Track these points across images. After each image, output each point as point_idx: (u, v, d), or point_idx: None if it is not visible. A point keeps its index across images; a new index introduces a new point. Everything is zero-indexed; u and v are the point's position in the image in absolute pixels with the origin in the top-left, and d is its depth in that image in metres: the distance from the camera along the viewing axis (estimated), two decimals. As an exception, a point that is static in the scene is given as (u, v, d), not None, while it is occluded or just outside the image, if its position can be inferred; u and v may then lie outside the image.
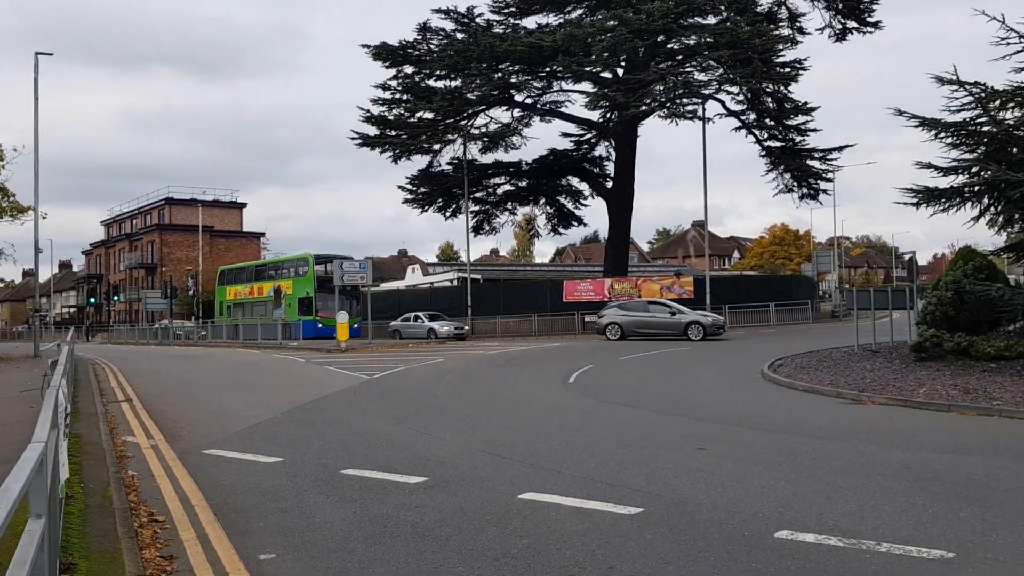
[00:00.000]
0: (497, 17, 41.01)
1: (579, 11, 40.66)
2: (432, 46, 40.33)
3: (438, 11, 39.69)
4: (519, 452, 9.20)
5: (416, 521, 6.43)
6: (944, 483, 7.22)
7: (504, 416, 12.34)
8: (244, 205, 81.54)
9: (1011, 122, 17.91)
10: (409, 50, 40.56)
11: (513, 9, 40.62)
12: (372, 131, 41.29)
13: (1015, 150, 17.71)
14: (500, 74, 39.23)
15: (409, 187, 44.96)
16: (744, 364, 19.83)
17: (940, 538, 5.57)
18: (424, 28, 39.92)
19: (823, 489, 7.05)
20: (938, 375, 15.37)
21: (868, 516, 6.17)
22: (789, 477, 7.55)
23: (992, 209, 18.86)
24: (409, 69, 41.16)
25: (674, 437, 10.02)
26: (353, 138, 41.16)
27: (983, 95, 17.53)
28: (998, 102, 17.72)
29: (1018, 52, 17.46)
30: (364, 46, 40.40)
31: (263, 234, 79.30)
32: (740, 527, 5.96)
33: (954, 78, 17.66)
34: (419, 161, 43.66)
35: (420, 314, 39.77)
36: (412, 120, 40.62)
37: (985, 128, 17.91)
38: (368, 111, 41.05)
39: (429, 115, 40.07)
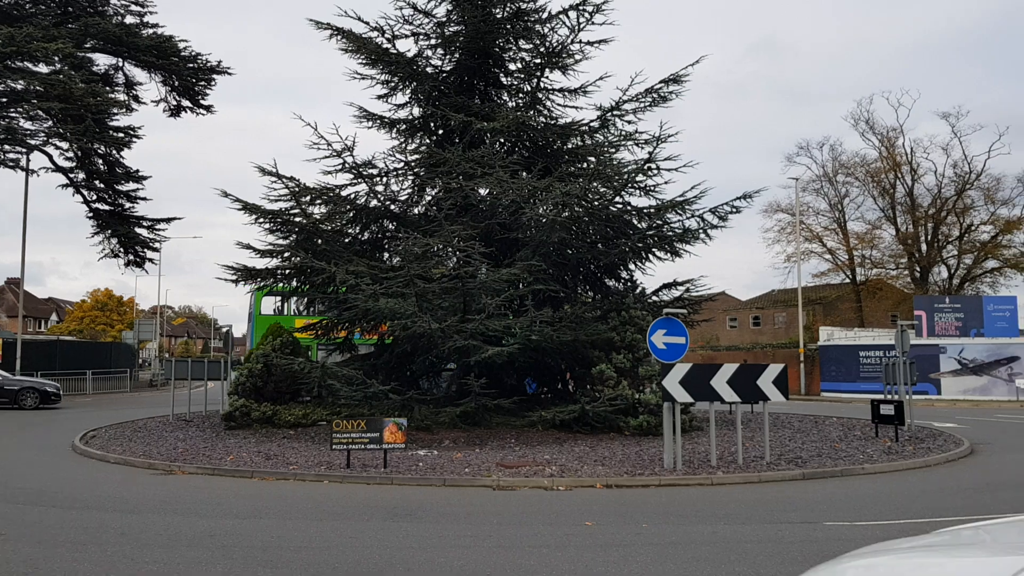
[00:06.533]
0: None
1: None
2: None
3: None
4: None
5: None
6: (244, 548, 7.89)
7: None
8: None
9: (318, 216, 20.66)
10: None
11: None
12: None
13: (320, 241, 20.35)
14: None
15: None
16: (54, 437, 18.49)
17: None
18: None
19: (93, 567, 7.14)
20: (245, 443, 16.60)
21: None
22: (94, 558, 7.43)
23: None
24: None
25: (-39, 527, 8.93)
26: None
27: (297, 189, 19.90)
28: (309, 198, 20.29)
29: (327, 157, 20.39)
30: None
31: None
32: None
33: (274, 171, 19.71)
34: None
35: None
36: None
37: (298, 219, 20.28)
38: None
39: None
